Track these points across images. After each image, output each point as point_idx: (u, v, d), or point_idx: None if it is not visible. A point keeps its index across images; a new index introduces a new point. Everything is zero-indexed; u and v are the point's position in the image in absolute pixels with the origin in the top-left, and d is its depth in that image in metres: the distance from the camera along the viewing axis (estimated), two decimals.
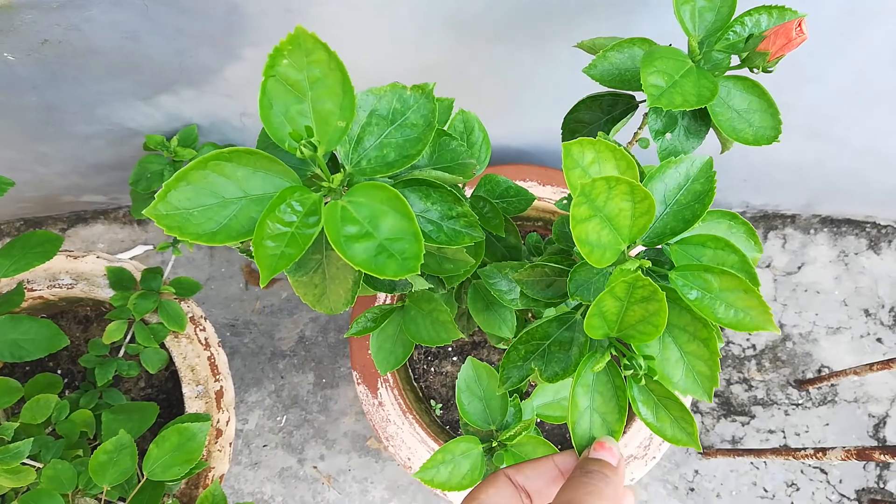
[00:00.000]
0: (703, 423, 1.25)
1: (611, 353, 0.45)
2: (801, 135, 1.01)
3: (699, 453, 1.24)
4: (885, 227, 1.32)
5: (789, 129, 1.02)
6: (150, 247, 1.29)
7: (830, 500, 1.22)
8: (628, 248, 0.45)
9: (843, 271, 1.31)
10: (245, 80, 0.91)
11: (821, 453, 0.86)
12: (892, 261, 1.31)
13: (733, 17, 0.60)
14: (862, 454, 0.79)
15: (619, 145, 0.49)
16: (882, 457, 0.75)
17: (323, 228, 0.40)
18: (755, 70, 0.57)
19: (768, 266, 1.31)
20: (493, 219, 0.61)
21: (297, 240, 0.39)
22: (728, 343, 1.28)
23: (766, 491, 1.22)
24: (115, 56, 0.82)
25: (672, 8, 0.60)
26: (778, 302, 1.30)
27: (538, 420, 0.71)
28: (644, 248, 0.51)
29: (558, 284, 0.55)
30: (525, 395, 0.70)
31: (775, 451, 0.98)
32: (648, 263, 0.46)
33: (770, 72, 0.58)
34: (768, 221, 1.33)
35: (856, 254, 1.31)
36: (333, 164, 0.45)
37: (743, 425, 1.25)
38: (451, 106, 0.60)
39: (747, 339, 1.28)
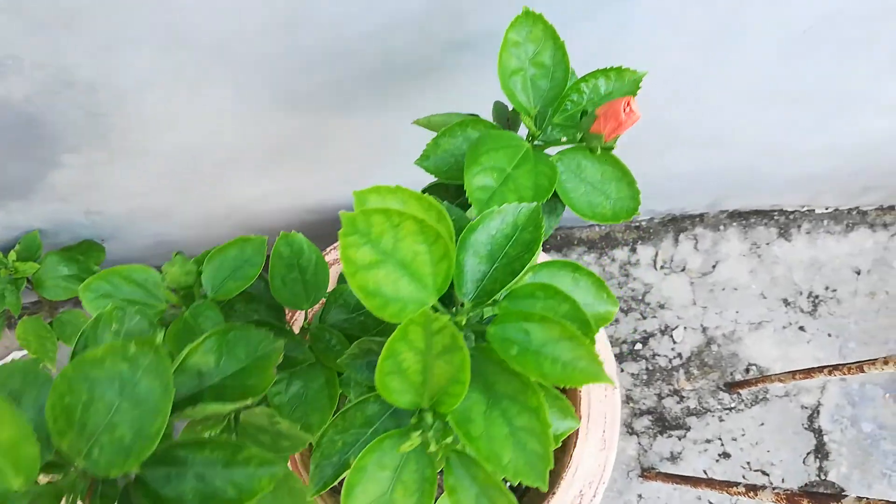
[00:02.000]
0: (639, 443, 1.21)
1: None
2: (697, 145, 0.97)
3: (640, 476, 1.20)
4: (793, 212, 1.30)
5: (683, 143, 0.98)
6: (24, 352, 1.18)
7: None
8: (457, 306, 0.39)
9: (758, 263, 1.28)
10: (77, 184, 0.82)
11: (752, 492, 0.82)
12: (803, 246, 1.29)
13: (569, 84, 0.54)
14: (791, 499, 0.75)
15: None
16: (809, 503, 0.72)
17: None
18: (594, 151, 0.51)
19: (683, 270, 1.28)
20: (342, 350, 0.54)
21: None
22: (654, 356, 1.25)
23: (713, 490, 1.19)
24: None
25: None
26: (697, 305, 1.27)
27: None
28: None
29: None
30: None
31: (709, 483, 0.95)
32: (463, 319, 0.39)
33: (612, 149, 0.52)
34: (677, 224, 1.29)
35: (767, 244, 1.29)
36: None
37: (679, 439, 1.21)
38: (263, 244, 0.53)
39: (672, 349, 1.25)
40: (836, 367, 0.89)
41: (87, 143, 0.74)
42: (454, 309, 0.44)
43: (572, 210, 0.55)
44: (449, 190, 0.60)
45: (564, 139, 0.56)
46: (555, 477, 0.91)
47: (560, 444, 0.49)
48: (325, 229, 1.15)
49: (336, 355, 0.51)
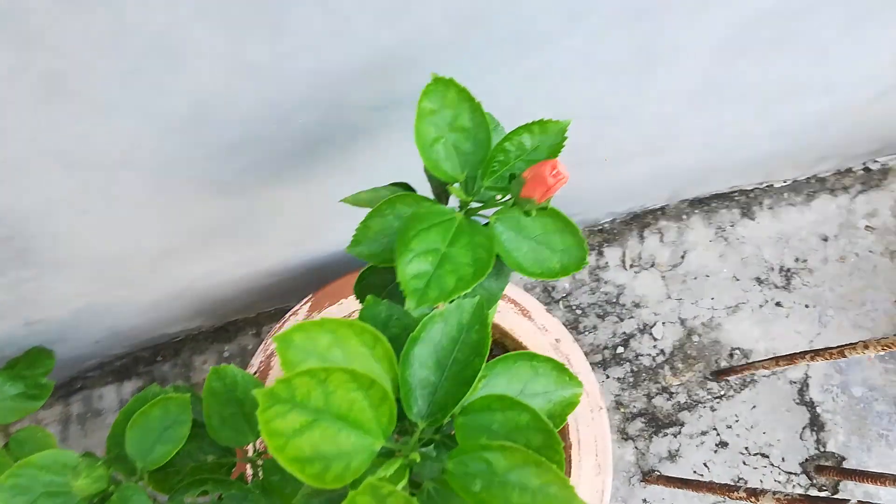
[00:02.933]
0: (636, 447, 1.19)
1: None
2: (646, 154, 0.95)
3: (641, 480, 1.18)
4: (752, 190, 1.28)
5: (631, 154, 0.95)
6: None
7: (780, 482, 1.19)
8: (414, 440, 0.36)
9: (725, 247, 1.27)
10: (7, 302, 0.78)
11: (754, 497, 0.80)
12: (768, 222, 1.28)
13: (493, 144, 0.51)
14: (793, 502, 0.73)
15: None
16: None
17: None
18: (530, 215, 0.48)
19: (653, 265, 1.26)
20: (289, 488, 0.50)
21: None
22: (637, 357, 1.23)
23: (714, 495, 1.17)
24: None
25: None
26: (672, 298, 1.25)
27: None
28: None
29: None
30: None
31: (710, 488, 0.93)
32: (417, 457, 0.36)
33: (546, 208, 0.49)
34: (640, 221, 1.27)
35: (732, 225, 1.28)
36: None
37: (675, 436, 1.20)
38: (186, 401, 0.49)
39: (654, 347, 1.23)
40: (817, 353, 0.88)
41: (6, 266, 0.69)
42: (407, 425, 0.41)
43: (519, 271, 0.52)
44: (386, 270, 0.57)
45: (499, 197, 0.53)
46: None
47: None
48: (286, 287, 1.12)
49: (294, 483, 0.48)
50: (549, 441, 0.35)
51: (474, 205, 0.53)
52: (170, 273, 0.89)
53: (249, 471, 0.54)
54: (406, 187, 0.56)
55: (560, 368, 0.45)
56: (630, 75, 0.71)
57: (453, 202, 0.55)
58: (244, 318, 1.23)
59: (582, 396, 0.92)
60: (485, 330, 0.39)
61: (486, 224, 0.51)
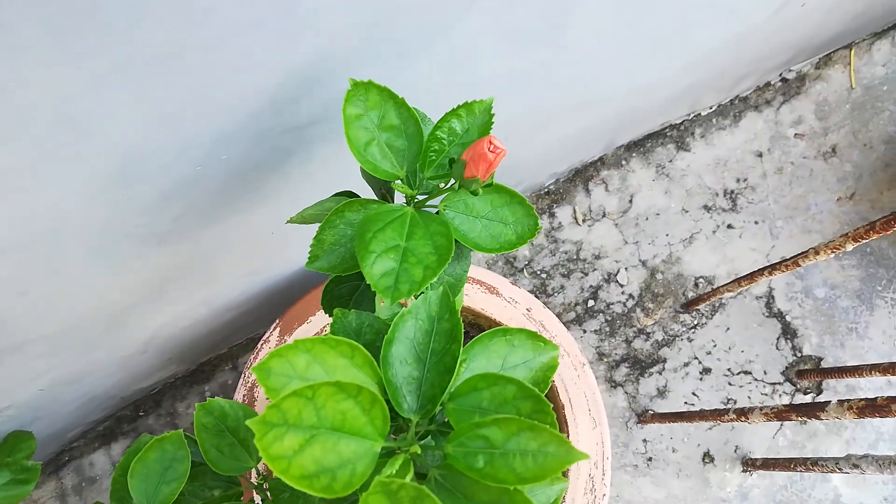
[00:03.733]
0: (626, 392, 1.22)
1: None
2: (571, 111, 0.96)
3: (637, 422, 1.21)
4: (681, 123, 1.31)
5: (557, 115, 0.97)
6: None
7: (766, 394, 1.23)
8: (410, 435, 0.36)
9: (669, 183, 1.30)
10: None
11: (743, 416, 0.83)
12: (702, 150, 1.31)
13: (426, 135, 0.51)
14: (780, 415, 0.76)
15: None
16: (797, 417, 0.73)
17: None
18: (477, 194, 0.49)
19: (604, 216, 1.28)
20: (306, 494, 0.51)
21: None
22: (608, 306, 1.25)
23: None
24: None
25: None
26: (629, 243, 1.28)
27: None
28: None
29: None
30: None
31: (702, 416, 0.96)
32: (418, 449, 0.37)
33: (492, 184, 0.50)
34: (582, 175, 1.29)
35: (670, 161, 1.31)
36: None
37: (660, 373, 1.23)
38: (180, 437, 0.49)
39: (622, 293, 1.26)
40: (774, 267, 0.91)
41: None
42: (401, 423, 0.41)
43: (477, 249, 0.53)
44: (352, 275, 0.57)
45: (443, 185, 0.54)
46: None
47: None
48: (252, 316, 1.11)
49: (305, 498, 0.48)
50: (538, 406, 0.36)
51: (420, 197, 0.54)
52: (129, 329, 0.87)
53: (257, 496, 0.54)
54: (350, 195, 0.57)
55: (534, 336, 0.46)
56: (544, 40, 0.72)
57: (399, 199, 0.55)
58: (217, 356, 1.22)
59: (562, 357, 0.94)
60: (455, 317, 0.40)
61: (437, 213, 0.52)
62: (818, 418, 0.69)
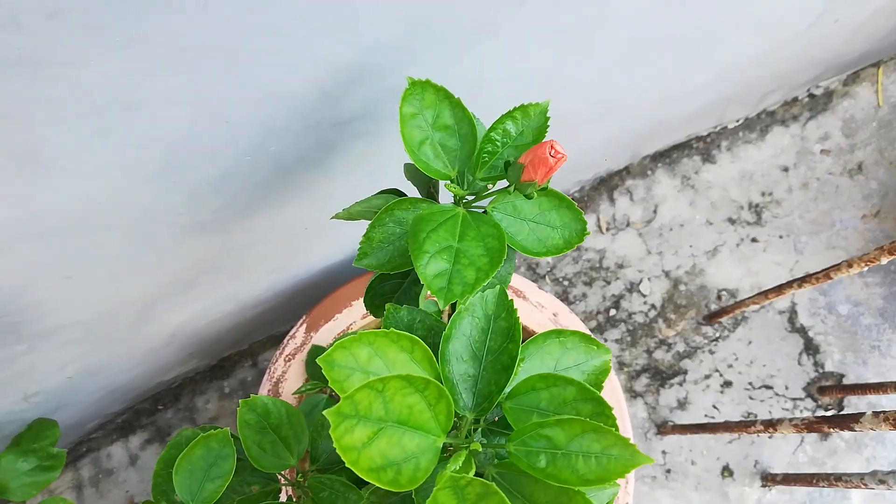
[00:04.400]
0: (646, 403, 1.22)
1: None
2: (596, 119, 0.97)
3: (657, 433, 1.21)
4: (707, 135, 1.31)
5: (583, 122, 0.97)
6: None
7: (787, 409, 1.22)
8: (463, 432, 0.36)
9: (694, 194, 1.30)
10: (4, 380, 0.76)
11: (771, 427, 0.83)
12: (728, 162, 1.31)
13: (480, 137, 0.52)
14: (811, 426, 0.76)
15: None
16: (829, 429, 0.73)
17: None
18: (531, 198, 0.49)
19: (628, 225, 1.28)
20: (347, 491, 0.51)
21: None
22: (630, 316, 1.25)
23: (731, 434, 1.20)
24: None
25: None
26: (653, 254, 1.27)
27: None
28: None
29: None
30: None
31: (727, 427, 0.96)
32: (479, 446, 0.37)
33: (546, 188, 0.50)
34: (607, 184, 1.29)
35: (696, 173, 1.30)
36: None
37: (681, 385, 1.23)
38: (226, 435, 0.49)
39: (644, 303, 1.25)
40: (804, 280, 0.91)
41: (1, 344, 0.68)
42: (455, 423, 0.41)
43: (524, 252, 0.53)
44: (394, 273, 0.57)
45: (491, 187, 0.54)
46: None
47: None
48: (274, 314, 1.11)
49: (345, 497, 0.48)
50: (599, 408, 0.36)
51: (468, 198, 0.54)
52: (158, 321, 0.88)
53: (294, 494, 0.54)
54: (397, 192, 0.57)
55: (587, 339, 0.46)
56: (575, 44, 0.72)
57: (444, 198, 0.55)
58: (238, 352, 1.22)
59: None
60: (512, 316, 0.40)
61: (484, 213, 0.52)
62: (851, 430, 0.69)
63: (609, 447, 0.33)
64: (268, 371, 0.94)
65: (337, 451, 0.30)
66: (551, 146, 0.44)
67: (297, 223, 0.80)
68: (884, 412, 0.65)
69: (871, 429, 0.67)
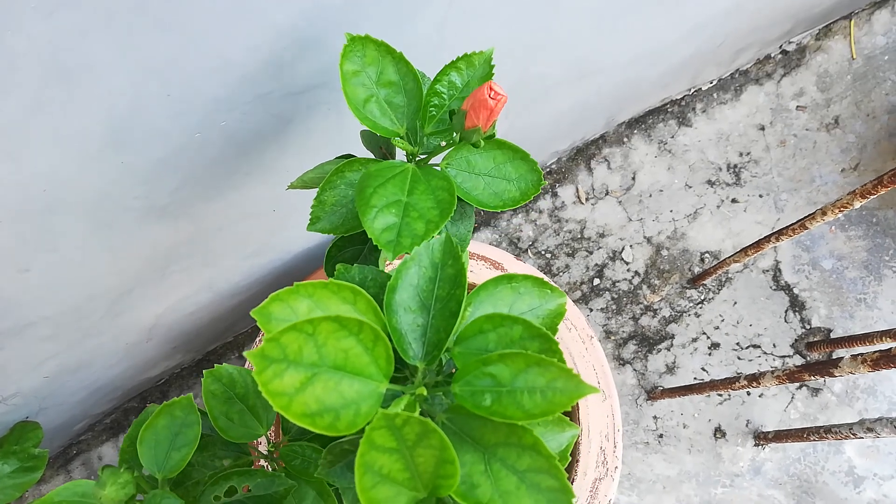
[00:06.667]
0: (634, 369, 1.21)
1: None
2: (571, 81, 0.96)
3: (647, 399, 1.20)
4: (681, 98, 1.30)
5: (556, 85, 0.96)
6: None
7: (776, 368, 1.22)
8: (418, 382, 0.35)
9: (671, 159, 1.29)
10: None
11: (755, 382, 0.82)
12: (704, 124, 1.30)
13: (425, 91, 0.51)
14: (792, 376, 0.75)
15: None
16: (810, 377, 0.72)
17: None
18: (479, 145, 0.48)
19: (607, 193, 1.27)
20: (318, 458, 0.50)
21: None
22: (614, 284, 1.25)
23: (720, 396, 1.20)
24: None
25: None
26: (633, 221, 1.27)
27: None
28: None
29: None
30: None
31: (712, 386, 0.95)
32: (424, 391, 0.36)
33: (493, 136, 0.49)
34: (584, 153, 1.29)
35: (672, 137, 1.30)
36: None
37: (668, 350, 1.22)
38: (189, 401, 0.48)
39: (628, 270, 1.25)
40: (780, 233, 0.90)
41: None
42: (407, 374, 0.41)
43: (480, 207, 0.52)
44: (354, 237, 0.57)
45: (444, 143, 0.53)
46: (574, 445, 0.90)
47: (569, 446, 0.47)
48: (256, 301, 1.10)
49: (316, 465, 0.48)
50: (545, 344, 0.35)
51: (421, 156, 0.53)
52: (132, 314, 0.87)
53: (268, 466, 0.53)
54: (350, 157, 0.56)
55: (540, 283, 0.45)
56: (542, 2, 0.71)
57: (400, 158, 0.55)
58: (223, 344, 1.21)
59: (569, 330, 0.93)
60: (458, 263, 0.39)
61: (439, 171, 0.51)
62: (832, 375, 0.68)
63: (553, 380, 0.33)
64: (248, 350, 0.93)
65: (263, 395, 0.29)
66: (489, 87, 0.43)
67: (263, 204, 0.79)
68: (861, 354, 0.64)
69: (851, 372, 0.67)
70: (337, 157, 0.58)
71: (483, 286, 0.43)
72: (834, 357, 1.22)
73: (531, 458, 0.34)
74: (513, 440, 0.34)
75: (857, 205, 0.75)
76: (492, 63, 0.50)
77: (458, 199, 0.52)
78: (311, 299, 0.35)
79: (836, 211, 0.80)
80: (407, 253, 0.43)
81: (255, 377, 0.29)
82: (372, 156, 0.59)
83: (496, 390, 0.33)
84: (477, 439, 0.35)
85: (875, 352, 0.62)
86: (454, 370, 0.42)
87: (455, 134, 0.48)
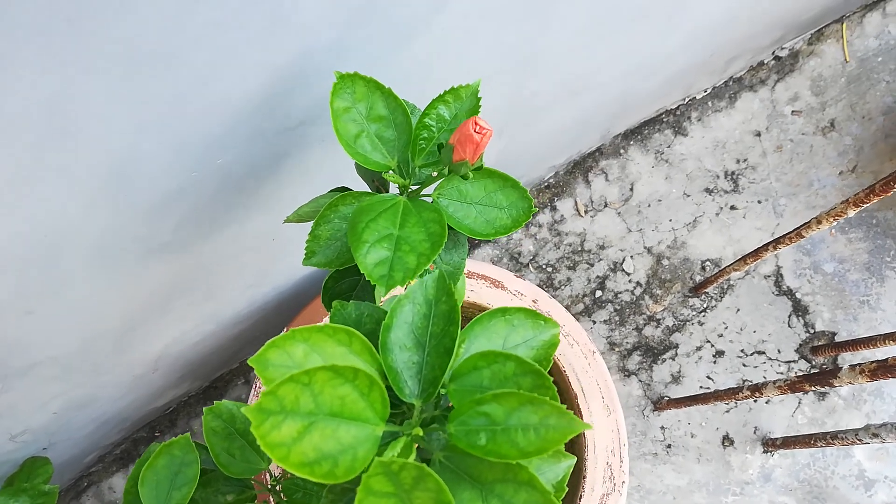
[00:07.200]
0: (640, 380, 1.21)
1: None
2: (564, 99, 0.96)
3: (654, 410, 1.20)
4: (676, 108, 1.31)
5: (551, 104, 0.97)
6: None
7: (782, 373, 1.22)
8: (415, 421, 0.36)
9: (668, 168, 1.29)
10: None
11: (757, 392, 0.82)
12: (699, 133, 1.31)
13: (415, 123, 0.52)
14: (793, 387, 0.75)
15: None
16: (810, 387, 0.72)
17: None
18: (467, 178, 0.48)
19: (606, 205, 1.28)
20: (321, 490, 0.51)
21: None
22: (616, 296, 1.25)
23: (727, 404, 1.20)
24: None
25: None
26: (633, 231, 1.27)
27: None
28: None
29: None
30: None
31: (717, 397, 0.95)
32: (420, 431, 0.37)
33: (482, 167, 0.50)
34: (581, 166, 1.29)
35: (668, 146, 1.30)
36: None
37: (673, 359, 1.22)
38: (187, 440, 0.49)
39: (629, 281, 1.25)
40: (778, 241, 0.90)
41: None
42: (405, 409, 0.41)
43: (472, 235, 0.53)
44: (350, 269, 0.57)
45: (436, 174, 0.54)
46: (579, 462, 0.90)
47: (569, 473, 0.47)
48: (260, 328, 1.11)
49: (318, 497, 0.48)
50: (538, 381, 0.36)
51: (413, 187, 0.54)
52: (138, 348, 0.88)
53: (272, 500, 0.54)
54: (344, 190, 0.57)
55: (533, 315, 0.45)
56: (530, 18, 0.71)
57: (393, 190, 0.55)
58: (229, 370, 1.22)
59: (572, 345, 0.93)
60: (452, 299, 0.40)
61: (431, 202, 0.52)
62: (832, 385, 0.68)
63: (546, 417, 0.33)
64: (253, 385, 0.93)
65: (262, 448, 0.30)
66: (475, 122, 0.44)
67: (263, 236, 0.80)
68: (860, 365, 0.64)
69: (850, 382, 0.67)
70: (331, 191, 0.58)
71: (478, 320, 0.44)
72: (839, 360, 1.22)
73: (527, 494, 0.35)
74: (509, 476, 0.35)
75: (851, 213, 0.76)
76: (479, 96, 0.51)
77: (451, 228, 0.53)
78: (307, 343, 0.36)
79: (831, 219, 0.81)
80: (399, 286, 0.44)
81: (252, 431, 0.30)
82: (367, 187, 0.60)
83: (491, 429, 0.34)
84: (474, 477, 0.35)
85: (872, 362, 0.62)
86: (451, 405, 0.42)
87: (444, 168, 0.49)
